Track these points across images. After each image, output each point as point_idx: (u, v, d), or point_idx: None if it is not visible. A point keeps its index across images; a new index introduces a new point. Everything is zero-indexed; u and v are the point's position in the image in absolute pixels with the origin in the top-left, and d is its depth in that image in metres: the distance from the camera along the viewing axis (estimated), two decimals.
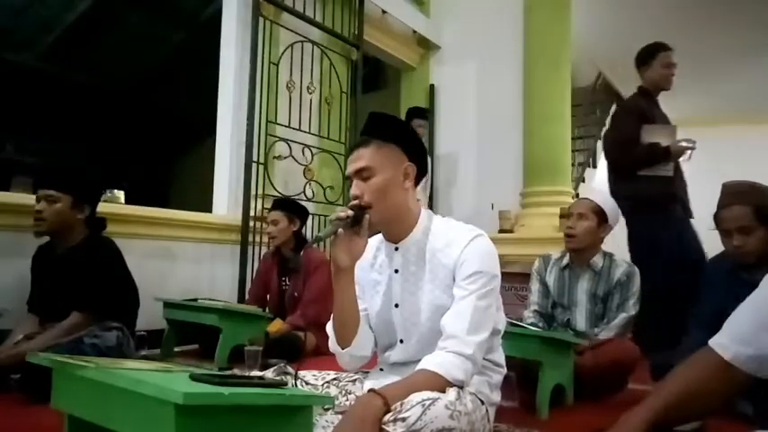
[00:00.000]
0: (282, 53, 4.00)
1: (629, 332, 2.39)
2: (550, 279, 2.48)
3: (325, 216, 4.03)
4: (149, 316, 2.69)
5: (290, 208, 3.15)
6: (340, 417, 1.22)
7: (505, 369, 1.47)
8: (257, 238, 3.73)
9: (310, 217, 3.55)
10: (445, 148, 5.50)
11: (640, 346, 2.26)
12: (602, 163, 8.20)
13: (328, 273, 1.65)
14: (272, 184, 3.86)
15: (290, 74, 4.05)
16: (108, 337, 2.17)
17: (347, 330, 1.40)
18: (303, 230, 3.23)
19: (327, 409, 1.32)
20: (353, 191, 1.35)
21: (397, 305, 1.40)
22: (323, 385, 1.42)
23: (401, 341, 1.42)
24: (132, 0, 6.32)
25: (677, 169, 3.07)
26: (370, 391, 1.14)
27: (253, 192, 3.71)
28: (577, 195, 4.76)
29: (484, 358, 1.37)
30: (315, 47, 4.28)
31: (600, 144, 8.27)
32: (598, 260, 2.39)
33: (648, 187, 2.97)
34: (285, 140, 3.96)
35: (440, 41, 5.70)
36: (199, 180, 5.10)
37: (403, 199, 1.37)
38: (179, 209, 3.63)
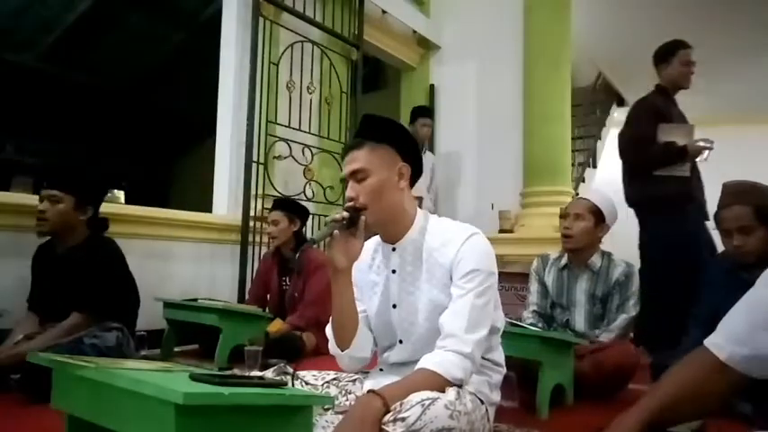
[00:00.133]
0: (282, 53, 4.00)
1: (630, 334, 2.38)
2: (549, 279, 2.47)
3: (326, 216, 4.03)
4: (149, 316, 2.69)
5: (291, 208, 3.15)
6: (340, 417, 1.22)
7: (505, 368, 1.47)
8: (257, 238, 3.73)
9: (310, 217, 3.55)
10: (445, 148, 5.50)
11: (648, 346, 2.25)
12: (602, 163, 8.21)
13: (328, 273, 1.65)
14: (272, 184, 3.86)
15: (290, 74, 4.05)
16: (108, 338, 2.17)
17: (346, 332, 1.40)
18: (303, 231, 3.23)
19: (327, 409, 1.32)
20: (349, 193, 1.35)
21: (394, 305, 1.41)
22: (323, 385, 1.42)
23: (400, 341, 1.42)
24: (132, 0, 6.32)
25: (694, 170, 2.98)
26: (370, 391, 1.14)
27: (253, 192, 3.71)
28: (578, 195, 4.76)
29: (484, 357, 1.37)
30: (315, 47, 4.28)
31: (599, 144, 8.30)
32: (596, 260, 2.37)
33: (664, 188, 2.88)
34: (285, 140, 3.96)
35: (440, 41, 5.70)
36: (199, 180, 5.11)
37: (398, 199, 1.38)
38: (179, 209, 3.63)
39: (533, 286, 2.52)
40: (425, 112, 4.76)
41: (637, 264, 2.53)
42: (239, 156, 3.78)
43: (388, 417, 1.07)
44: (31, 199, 2.74)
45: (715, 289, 2.01)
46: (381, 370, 1.47)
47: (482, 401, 1.31)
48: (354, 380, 1.46)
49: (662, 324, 2.67)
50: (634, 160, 3.05)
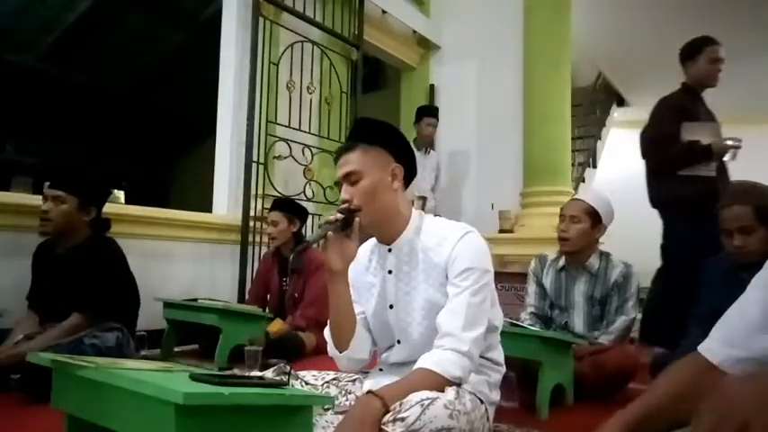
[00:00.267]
0: (282, 53, 4.00)
1: (629, 336, 2.37)
2: (547, 281, 2.45)
3: (326, 216, 4.03)
4: (149, 316, 2.69)
5: (290, 209, 3.15)
6: (340, 417, 1.22)
7: (504, 368, 1.47)
8: (257, 238, 3.72)
9: (310, 217, 3.55)
10: (445, 148, 5.50)
11: (660, 342, 2.21)
12: (602, 163, 8.22)
13: None
14: (272, 184, 3.86)
15: (290, 74, 4.05)
16: (108, 338, 2.17)
17: (343, 333, 1.40)
18: (303, 231, 3.23)
19: (327, 409, 1.32)
20: (343, 195, 1.36)
21: (391, 306, 1.41)
22: (323, 385, 1.42)
23: (398, 341, 1.42)
24: (132, 0, 6.32)
25: (722, 169, 2.86)
26: (368, 392, 1.14)
27: (253, 192, 3.71)
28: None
29: (483, 357, 1.38)
30: (315, 47, 4.28)
31: (599, 144, 8.30)
32: (594, 261, 2.35)
33: (688, 188, 2.75)
34: (285, 140, 3.96)
35: (440, 41, 5.70)
36: (199, 180, 5.11)
37: (392, 200, 1.38)
38: (179, 209, 3.62)
39: (531, 288, 2.50)
40: (431, 111, 4.74)
41: (636, 264, 2.51)
42: (239, 156, 3.77)
43: (387, 417, 1.07)
44: (31, 199, 2.75)
45: (715, 289, 2.01)
46: (381, 370, 1.47)
47: (481, 401, 1.31)
48: (354, 380, 1.47)
49: (682, 325, 2.64)
50: (656, 160, 2.94)
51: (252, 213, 3.68)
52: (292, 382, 1.36)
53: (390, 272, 1.41)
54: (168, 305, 2.89)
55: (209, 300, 2.93)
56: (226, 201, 3.86)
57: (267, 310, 3.11)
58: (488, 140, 5.29)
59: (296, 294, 3.08)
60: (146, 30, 6.76)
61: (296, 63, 4.09)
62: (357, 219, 1.34)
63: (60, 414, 1.11)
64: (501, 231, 4.65)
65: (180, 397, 0.79)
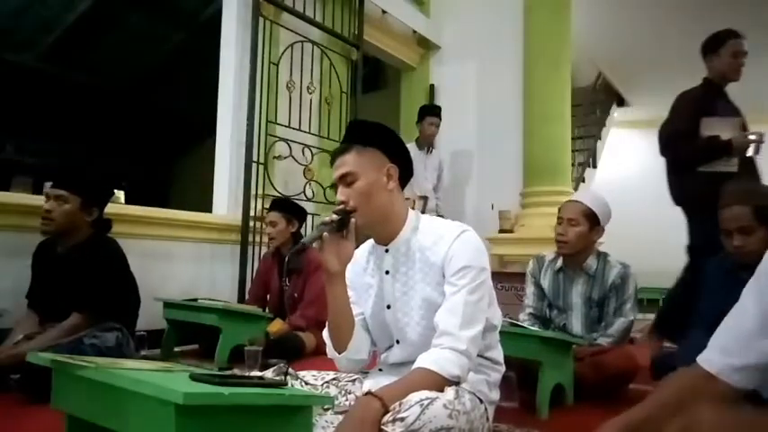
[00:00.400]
0: (282, 53, 4.00)
1: (629, 337, 2.37)
2: (545, 282, 2.43)
3: (326, 216, 4.03)
4: (149, 316, 2.69)
5: (288, 209, 3.15)
6: (340, 417, 1.23)
7: (504, 367, 1.47)
8: (257, 238, 3.72)
9: (310, 217, 3.55)
10: (445, 148, 5.49)
11: (673, 336, 2.17)
12: (602, 163, 8.22)
13: None
14: (272, 184, 3.86)
15: (290, 74, 4.05)
16: (107, 338, 2.17)
17: (342, 334, 1.40)
18: (303, 231, 3.23)
19: (327, 409, 1.32)
20: (338, 196, 1.37)
21: (389, 306, 1.41)
22: (322, 385, 1.42)
23: (397, 342, 1.42)
24: (132, 0, 6.32)
25: (749, 164, 2.77)
26: (368, 393, 1.14)
27: (253, 192, 3.71)
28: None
29: (482, 356, 1.38)
30: (315, 47, 4.28)
31: (599, 144, 8.30)
32: (592, 262, 2.33)
33: (708, 184, 2.59)
34: (285, 140, 3.96)
35: (440, 41, 5.70)
36: (199, 180, 5.11)
37: (387, 200, 1.38)
38: (179, 209, 3.62)
39: (529, 288, 2.49)
40: (433, 110, 4.72)
41: (636, 264, 2.49)
42: (239, 156, 3.78)
43: (387, 417, 1.07)
44: (31, 199, 2.75)
45: (715, 289, 2.01)
46: (380, 370, 1.47)
47: (481, 400, 1.31)
48: (354, 380, 1.47)
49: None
50: (675, 156, 2.87)
51: (252, 213, 3.68)
52: (292, 382, 1.36)
53: (388, 272, 1.41)
54: (168, 305, 2.89)
55: (209, 300, 2.93)
56: (226, 201, 3.86)
57: (267, 310, 3.11)
58: (488, 140, 5.29)
59: (295, 294, 3.08)
60: (146, 30, 6.76)
61: (296, 63, 4.09)
62: (353, 220, 1.34)
63: (60, 414, 1.11)
64: (501, 231, 4.65)
65: (180, 397, 0.80)
